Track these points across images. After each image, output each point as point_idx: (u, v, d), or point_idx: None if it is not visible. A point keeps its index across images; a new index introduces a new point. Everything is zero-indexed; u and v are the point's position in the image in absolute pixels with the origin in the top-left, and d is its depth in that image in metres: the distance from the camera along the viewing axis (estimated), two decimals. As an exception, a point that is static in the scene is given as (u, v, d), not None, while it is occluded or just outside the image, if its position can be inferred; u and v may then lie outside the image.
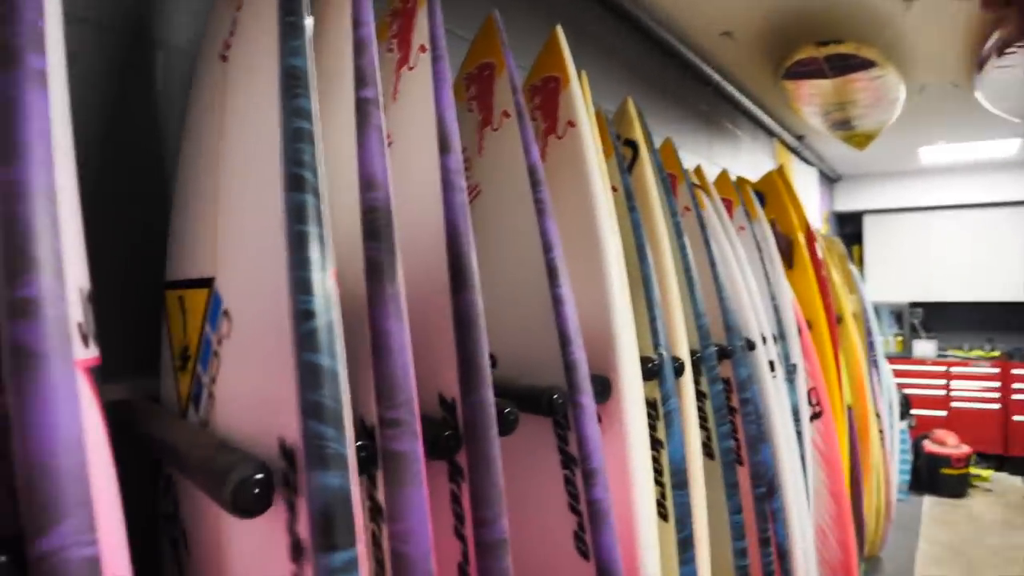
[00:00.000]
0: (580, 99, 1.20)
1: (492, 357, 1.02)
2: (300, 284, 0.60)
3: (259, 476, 0.56)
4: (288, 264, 0.60)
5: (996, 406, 5.87)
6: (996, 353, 6.06)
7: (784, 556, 1.71)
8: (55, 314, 0.39)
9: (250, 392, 0.68)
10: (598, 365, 1.03)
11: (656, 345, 1.23)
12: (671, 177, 1.76)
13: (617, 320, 1.03)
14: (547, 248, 0.96)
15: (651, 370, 1.20)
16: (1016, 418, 5.78)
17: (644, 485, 1.00)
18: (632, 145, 1.51)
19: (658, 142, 1.99)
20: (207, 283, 0.80)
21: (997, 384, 5.89)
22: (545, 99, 1.26)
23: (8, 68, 0.40)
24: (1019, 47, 2.84)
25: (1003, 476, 5.63)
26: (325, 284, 0.60)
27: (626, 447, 1.00)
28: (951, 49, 3.22)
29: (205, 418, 0.77)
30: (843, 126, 3.93)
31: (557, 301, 0.94)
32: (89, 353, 0.43)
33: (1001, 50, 2.90)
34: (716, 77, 3.08)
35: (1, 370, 0.40)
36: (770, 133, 4.14)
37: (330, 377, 0.58)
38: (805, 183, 5.16)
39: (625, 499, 1.00)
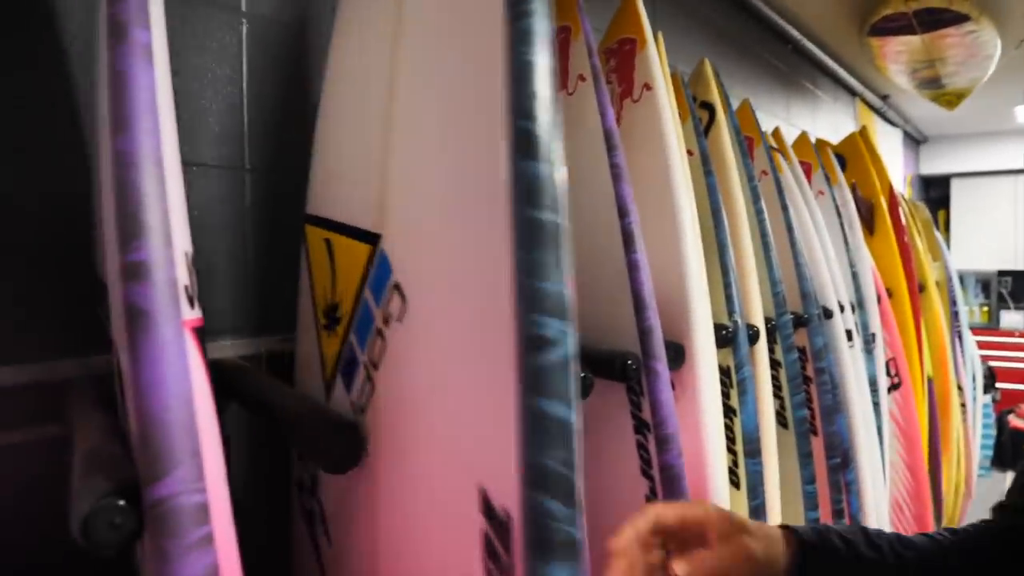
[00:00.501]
0: (656, 62, 1.18)
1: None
2: (532, 296, 0.44)
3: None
4: (513, 263, 0.45)
5: (1089, 380, 5.59)
6: (1091, 324, 5.75)
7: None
8: (164, 277, 0.41)
9: (438, 415, 0.56)
10: (672, 332, 1.03)
11: (731, 312, 1.21)
12: (748, 140, 1.71)
13: (692, 287, 1.02)
14: (623, 213, 0.96)
15: (725, 337, 1.19)
16: (1111, 393, 5.49)
17: (717, 452, 1.00)
18: (709, 108, 1.47)
19: (736, 103, 1.94)
20: (371, 239, 0.70)
21: (1091, 357, 5.59)
22: (621, 62, 1.24)
23: (118, 42, 0.42)
24: None
25: (1094, 453, 5.37)
26: (563, 298, 0.45)
27: (699, 414, 1.00)
28: (1054, 0, 3.01)
29: (362, 405, 0.71)
30: (932, 84, 3.74)
31: (632, 267, 0.94)
32: (194, 314, 0.46)
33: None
34: (796, 34, 2.96)
35: (114, 330, 0.43)
36: (852, 93, 3.97)
37: (565, 433, 0.44)
38: (889, 145, 4.94)
39: (698, 465, 1.00)
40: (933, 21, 2.97)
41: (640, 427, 0.94)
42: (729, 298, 1.22)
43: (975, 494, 3.58)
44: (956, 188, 6.30)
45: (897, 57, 3.34)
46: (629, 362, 0.91)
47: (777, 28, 2.85)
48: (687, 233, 1.04)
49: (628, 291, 0.94)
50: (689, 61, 2.14)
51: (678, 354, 1.01)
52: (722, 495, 1.10)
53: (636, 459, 0.95)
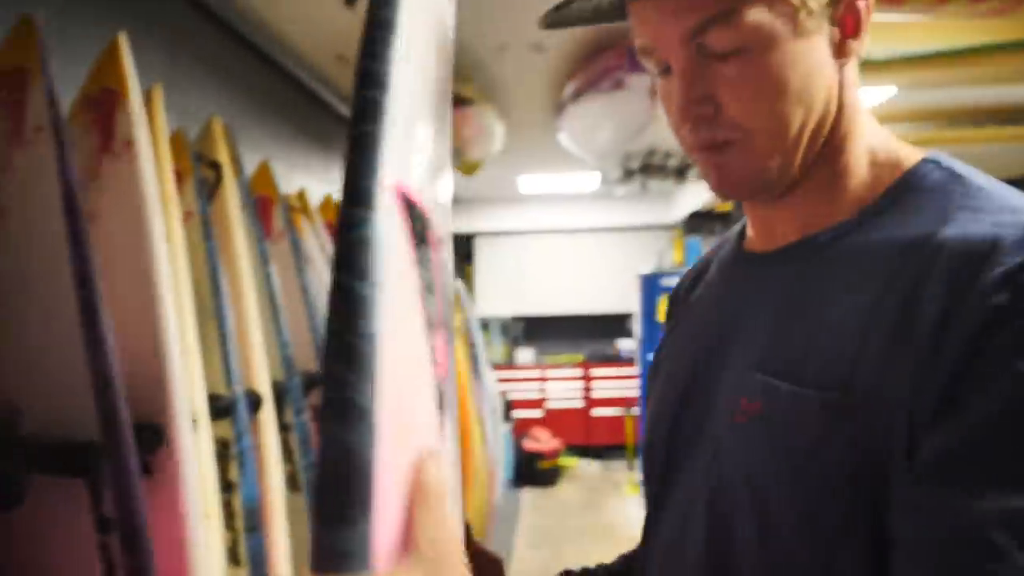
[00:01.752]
0: (142, 117, 1.10)
1: (15, 409, 0.88)
2: None
3: None
4: None
5: (580, 403, 6.82)
6: (580, 357, 7.05)
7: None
8: None
9: None
10: (148, 411, 0.94)
11: (229, 382, 1.17)
12: (265, 200, 1.71)
13: (169, 362, 0.96)
14: (81, 284, 0.86)
15: (222, 408, 1.15)
16: (594, 412, 6.78)
17: (199, 541, 0.94)
18: (215, 167, 1.43)
19: (254, 163, 1.92)
20: None
21: (580, 384, 6.85)
22: (103, 114, 1.13)
23: None
24: (587, 98, 3.34)
25: (585, 463, 6.57)
26: None
27: (181, 499, 0.93)
28: (538, 93, 3.67)
29: None
30: (452, 155, 4.25)
31: (93, 343, 0.84)
32: None
33: (575, 98, 3.39)
34: (331, 98, 3.10)
35: None
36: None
37: None
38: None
39: (178, 553, 0.92)
40: (446, 101, 3.38)
41: (103, 526, 0.84)
42: (227, 367, 1.18)
43: (498, 512, 4.08)
44: (479, 245, 7.24)
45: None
46: (88, 452, 0.81)
47: (311, 91, 2.94)
48: (164, 303, 0.97)
49: (87, 370, 0.84)
50: (203, 117, 2.08)
51: (155, 435, 0.94)
52: (216, 578, 1.05)
53: (99, 564, 0.84)
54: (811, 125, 0.59)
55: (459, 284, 4.26)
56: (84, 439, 0.83)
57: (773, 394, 0.58)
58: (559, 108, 3.63)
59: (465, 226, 7.14)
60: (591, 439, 6.76)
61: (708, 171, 0.61)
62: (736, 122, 0.57)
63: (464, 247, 7.39)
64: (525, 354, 7.10)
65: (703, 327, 0.70)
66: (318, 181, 3.06)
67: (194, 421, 1.03)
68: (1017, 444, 0.47)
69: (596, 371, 6.85)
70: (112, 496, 0.83)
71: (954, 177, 0.58)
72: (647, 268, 5.42)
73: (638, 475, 4.97)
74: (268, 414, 1.28)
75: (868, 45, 0.60)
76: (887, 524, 0.51)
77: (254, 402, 1.25)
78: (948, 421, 0.49)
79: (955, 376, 0.49)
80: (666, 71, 0.61)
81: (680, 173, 5.08)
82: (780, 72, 0.56)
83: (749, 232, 0.70)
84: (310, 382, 1.61)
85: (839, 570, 0.53)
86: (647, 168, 5.03)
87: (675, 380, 0.71)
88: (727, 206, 5.26)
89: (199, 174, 1.33)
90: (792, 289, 0.61)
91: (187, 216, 1.27)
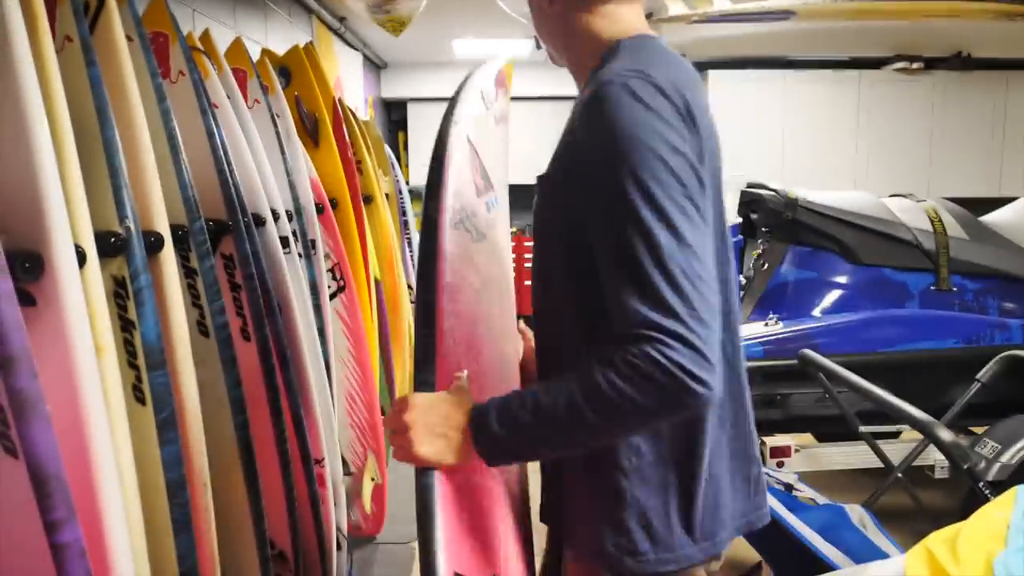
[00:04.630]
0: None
1: None
2: None
3: None
4: None
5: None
6: (514, 228, 7.06)
7: (298, 422, 1.78)
8: None
9: None
10: (26, 240, 0.89)
11: (122, 218, 1.12)
12: (159, 36, 1.59)
13: (46, 189, 0.90)
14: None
15: (115, 246, 1.10)
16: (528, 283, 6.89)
17: (87, 364, 0.92)
18: (96, -9, 1.31)
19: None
20: None
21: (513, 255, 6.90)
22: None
23: None
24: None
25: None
26: None
27: (66, 327, 0.90)
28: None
29: None
30: (379, 10, 4.02)
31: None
32: None
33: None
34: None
35: None
36: (308, 10, 4.04)
37: None
38: (349, 67, 5.21)
39: (68, 382, 0.90)
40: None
41: (-22, 350, 0.80)
42: (119, 203, 1.12)
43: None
44: (412, 112, 7.02)
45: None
46: (-49, 276, 0.76)
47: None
48: (35, 126, 0.90)
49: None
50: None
51: (34, 263, 0.89)
52: (117, 413, 1.03)
53: (-20, 388, 0.81)
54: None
55: (389, 151, 4.14)
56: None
57: (542, 175, 1.11)
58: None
59: (399, 92, 6.89)
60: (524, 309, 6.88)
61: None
62: None
63: (398, 112, 7.16)
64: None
65: None
66: (228, 30, 2.87)
67: (80, 254, 0.98)
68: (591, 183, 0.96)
69: (530, 243, 6.91)
70: (-14, 320, 0.79)
71: (624, 48, 1.05)
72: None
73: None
74: (168, 255, 1.23)
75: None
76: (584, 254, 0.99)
77: (153, 243, 1.20)
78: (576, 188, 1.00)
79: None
80: None
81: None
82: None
83: None
84: (219, 230, 1.56)
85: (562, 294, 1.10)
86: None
87: None
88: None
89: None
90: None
91: (67, 40, 1.17)
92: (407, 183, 4.79)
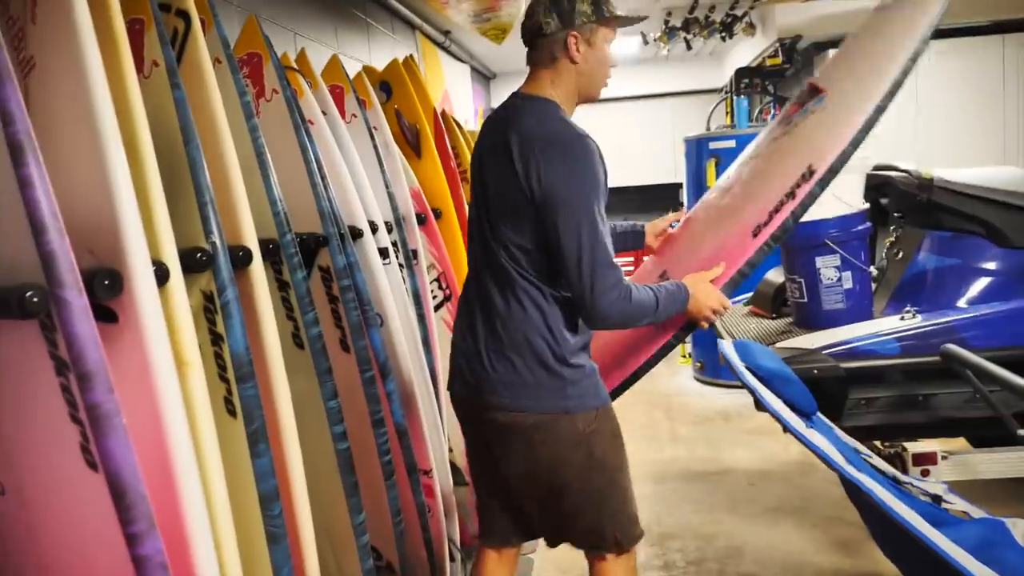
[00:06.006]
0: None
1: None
2: None
3: None
4: None
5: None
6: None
7: (402, 432, 1.77)
8: None
9: None
10: (105, 257, 0.91)
11: (208, 234, 1.14)
12: (253, 57, 1.63)
13: (123, 208, 0.92)
14: (7, 122, 0.81)
15: (201, 261, 1.11)
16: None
17: (168, 377, 0.93)
18: (184, 17, 1.35)
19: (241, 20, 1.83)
20: None
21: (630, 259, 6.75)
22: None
23: None
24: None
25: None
26: None
27: (145, 342, 0.91)
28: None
29: None
30: (480, 19, 4.04)
31: (24, 184, 0.80)
32: None
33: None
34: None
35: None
36: (411, 26, 4.11)
37: None
38: (457, 79, 5.28)
39: (149, 396, 0.91)
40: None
41: (60, 367, 0.82)
42: (205, 219, 1.14)
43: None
44: (524, 120, 7.03)
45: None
46: (28, 293, 0.78)
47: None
48: (111, 147, 0.92)
49: (23, 213, 0.80)
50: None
51: (113, 281, 0.91)
52: (205, 426, 1.04)
53: (63, 404, 0.83)
54: None
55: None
56: (23, 282, 0.80)
57: None
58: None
59: (508, 102, 6.91)
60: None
61: None
62: None
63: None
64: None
65: None
66: (330, 50, 2.95)
67: (163, 270, 1.00)
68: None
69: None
70: (63, 337, 0.81)
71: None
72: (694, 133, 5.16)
73: (688, 346, 4.93)
74: (257, 268, 1.24)
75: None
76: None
77: (241, 257, 1.22)
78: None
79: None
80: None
81: (726, 27, 4.73)
82: None
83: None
84: (315, 243, 1.58)
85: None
86: (689, 24, 4.68)
87: None
88: (777, 60, 4.90)
89: (160, 22, 1.25)
90: None
91: (154, 64, 1.21)
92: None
